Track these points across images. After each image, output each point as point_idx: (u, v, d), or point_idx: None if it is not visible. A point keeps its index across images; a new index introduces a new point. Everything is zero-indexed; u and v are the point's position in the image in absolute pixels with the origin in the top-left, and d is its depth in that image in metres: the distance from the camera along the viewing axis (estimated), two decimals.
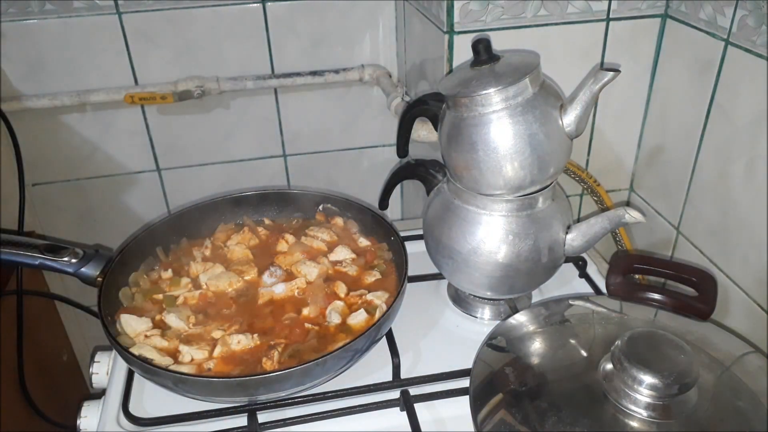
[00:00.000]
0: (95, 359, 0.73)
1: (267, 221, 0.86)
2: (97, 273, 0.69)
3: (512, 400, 0.57)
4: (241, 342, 0.65)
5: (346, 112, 1.20)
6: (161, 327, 0.68)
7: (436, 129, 0.71)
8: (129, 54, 1.07)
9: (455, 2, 0.79)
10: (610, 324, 0.69)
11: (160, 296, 0.72)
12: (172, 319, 0.68)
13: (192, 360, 0.64)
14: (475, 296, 0.77)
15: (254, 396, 0.62)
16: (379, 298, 0.71)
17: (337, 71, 1.13)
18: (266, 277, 0.75)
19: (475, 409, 0.57)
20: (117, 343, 0.62)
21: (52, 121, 1.10)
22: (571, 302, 0.71)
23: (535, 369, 0.62)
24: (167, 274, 0.75)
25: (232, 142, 1.19)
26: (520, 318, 0.68)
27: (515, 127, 0.63)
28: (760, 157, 0.70)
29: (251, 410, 0.62)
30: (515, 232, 0.67)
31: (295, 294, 0.73)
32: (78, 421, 0.68)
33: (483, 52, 0.65)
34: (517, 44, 0.83)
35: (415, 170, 0.77)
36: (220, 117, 1.16)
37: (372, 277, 0.75)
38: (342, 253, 0.78)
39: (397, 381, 0.66)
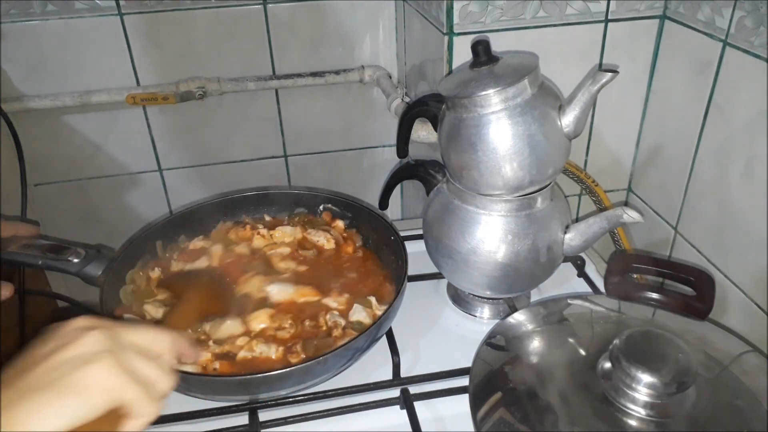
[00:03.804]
0: None
1: (267, 218, 0.86)
2: (99, 272, 0.69)
3: (511, 398, 0.58)
4: (263, 352, 0.65)
5: (346, 112, 1.21)
6: None
7: (435, 130, 0.71)
8: (131, 55, 1.07)
9: (455, 3, 0.79)
10: (608, 323, 0.69)
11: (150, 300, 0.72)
12: None
13: (195, 361, 0.64)
14: (474, 295, 0.77)
15: (255, 394, 0.62)
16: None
17: (337, 72, 1.13)
18: None
19: (475, 407, 0.57)
20: None
21: (54, 122, 1.10)
22: (569, 301, 0.71)
23: (534, 368, 0.62)
24: (155, 273, 0.75)
25: (233, 142, 1.19)
26: (519, 317, 0.69)
27: (514, 128, 0.63)
28: (759, 157, 0.70)
29: (252, 409, 0.63)
30: (514, 231, 0.68)
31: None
32: None
33: (482, 53, 0.66)
34: (516, 45, 0.83)
35: (415, 170, 0.78)
36: (221, 118, 1.16)
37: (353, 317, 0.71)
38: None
39: (397, 379, 0.66)
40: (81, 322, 0.42)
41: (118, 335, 0.42)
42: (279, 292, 0.72)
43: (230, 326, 0.67)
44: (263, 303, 0.71)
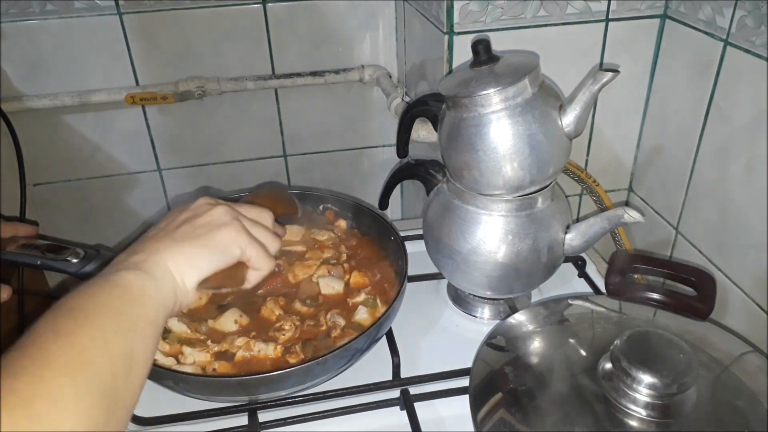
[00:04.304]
0: None
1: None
2: (98, 273, 0.69)
3: (512, 399, 0.57)
4: (261, 351, 0.65)
5: (346, 112, 1.20)
6: (163, 330, 0.68)
7: (435, 129, 0.71)
8: (130, 54, 1.07)
9: (455, 3, 0.79)
10: (609, 323, 0.69)
11: None
12: (172, 323, 0.68)
13: (194, 362, 0.64)
14: (474, 296, 0.77)
15: (254, 395, 0.62)
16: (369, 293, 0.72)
17: (337, 72, 1.13)
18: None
19: (475, 408, 0.57)
20: None
21: (53, 121, 1.10)
22: (570, 302, 0.71)
23: (535, 368, 0.62)
24: None
25: (232, 142, 1.19)
26: (520, 317, 0.68)
27: (515, 128, 0.63)
28: (759, 157, 0.70)
29: (252, 409, 0.62)
30: (515, 232, 0.68)
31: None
32: None
33: (483, 52, 0.65)
34: (516, 45, 0.83)
35: (415, 170, 0.77)
36: (220, 117, 1.16)
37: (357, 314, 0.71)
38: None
39: (397, 380, 0.66)
40: (205, 199, 0.53)
41: (236, 209, 0.53)
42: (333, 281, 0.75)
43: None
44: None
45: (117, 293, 0.43)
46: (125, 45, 1.06)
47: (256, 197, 0.65)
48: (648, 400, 0.53)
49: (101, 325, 0.39)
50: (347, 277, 0.75)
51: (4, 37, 1.01)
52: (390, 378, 0.66)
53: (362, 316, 0.69)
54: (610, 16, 0.84)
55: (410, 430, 0.61)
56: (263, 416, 0.63)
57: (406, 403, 0.63)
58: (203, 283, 0.49)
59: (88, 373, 0.35)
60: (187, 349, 0.64)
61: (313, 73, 1.12)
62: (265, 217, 0.57)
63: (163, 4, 1.03)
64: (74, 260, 0.69)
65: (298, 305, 0.71)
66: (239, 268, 0.52)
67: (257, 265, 0.53)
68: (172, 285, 0.46)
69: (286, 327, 0.67)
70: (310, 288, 0.74)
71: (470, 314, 0.78)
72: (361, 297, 0.72)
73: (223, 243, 0.50)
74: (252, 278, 0.53)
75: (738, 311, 0.76)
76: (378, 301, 0.71)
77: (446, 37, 0.83)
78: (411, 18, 1.02)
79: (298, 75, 1.12)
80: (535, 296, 0.80)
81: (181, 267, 0.47)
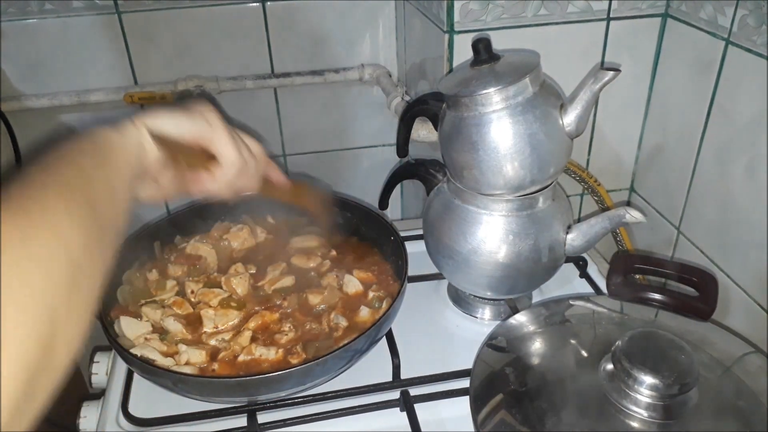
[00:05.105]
0: (94, 359, 0.73)
1: (270, 219, 0.85)
2: None
3: (512, 400, 0.57)
4: (263, 355, 0.64)
5: (346, 111, 1.20)
6: (160, 331, 0.68)
7: (436, 129, 0.71)
8: (128, 53, 1.06)
9: (455, 2, 0.79)
10: (610, 324, 0.69)
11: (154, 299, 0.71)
12: (170, 324, 0.68)
13: (188, 362, 0.63)
14: (475, 296, 0.77)
15: (254, 396, 0.62)
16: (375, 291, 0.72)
17: (337, 71, 1.13)
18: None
19: (476, 409, 0.57)
20: (117, 344, 0.62)
21: (52, 121, 1.10)
22: (571, 302, 0.71)
23: (536, 369, 0.62)
24: (153, 275, 0.74)
25: None
26: (521, 318, 0.68)
27: (515, 127, 0.63)
28: (761, 156, 0.70)
29: (251, 410, 0.62)
30: (515, 232, 0.67)
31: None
32: (77, 421, 0.68)
33: (483, 51, 0.65)
34: (517, 44, 0.83)
35: (415, 170, 0.77)
36: None
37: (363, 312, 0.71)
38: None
39: (397, 381, 0.66)
40: None
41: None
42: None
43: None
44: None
45: (91, 140, 0.48)
46: (124, 44, 1.05)
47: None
48: (649, 401, 0.53)
49: (82, 163, 0.44)
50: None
51: (3, 36, 1.01)
52: (390, 379, 0.66)
53: (365, 316, 0.69)
54: (611, 15, 0.84)
55: (410, 431, 0.61)
56: (263, 417, 0.62)
57: (406, 404, 0.63)
58: (164, 146, 0.49)
59: (77, 199, 0.39)
60: (182, 347, 0.64)
61: (313, 72, 1.12)
62: (255, 144, 0.57)
63: (162, 3, 1.03)
64: None
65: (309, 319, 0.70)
66: (205, 156, 0.52)
67: (224, 150, 0.52)
68: (135, 135, 0.49)
69: (286, 328, 0.66)
70: (332, 296, 0.72)
71: (471, 315, 0.78)
72: (369, 295, 0.71)
73: (193, 108, 0.51)
74: (218, 175, 0.52)
75: (740, 312, 0.76)
76: (384, 302, 0.70)
77: (446, 36, 0.82)
78: (411, 17, 1.02)
79: (298, 74, 1.12)
80: (536, 297, 0.80)
81: (145, 119, 0.49)
